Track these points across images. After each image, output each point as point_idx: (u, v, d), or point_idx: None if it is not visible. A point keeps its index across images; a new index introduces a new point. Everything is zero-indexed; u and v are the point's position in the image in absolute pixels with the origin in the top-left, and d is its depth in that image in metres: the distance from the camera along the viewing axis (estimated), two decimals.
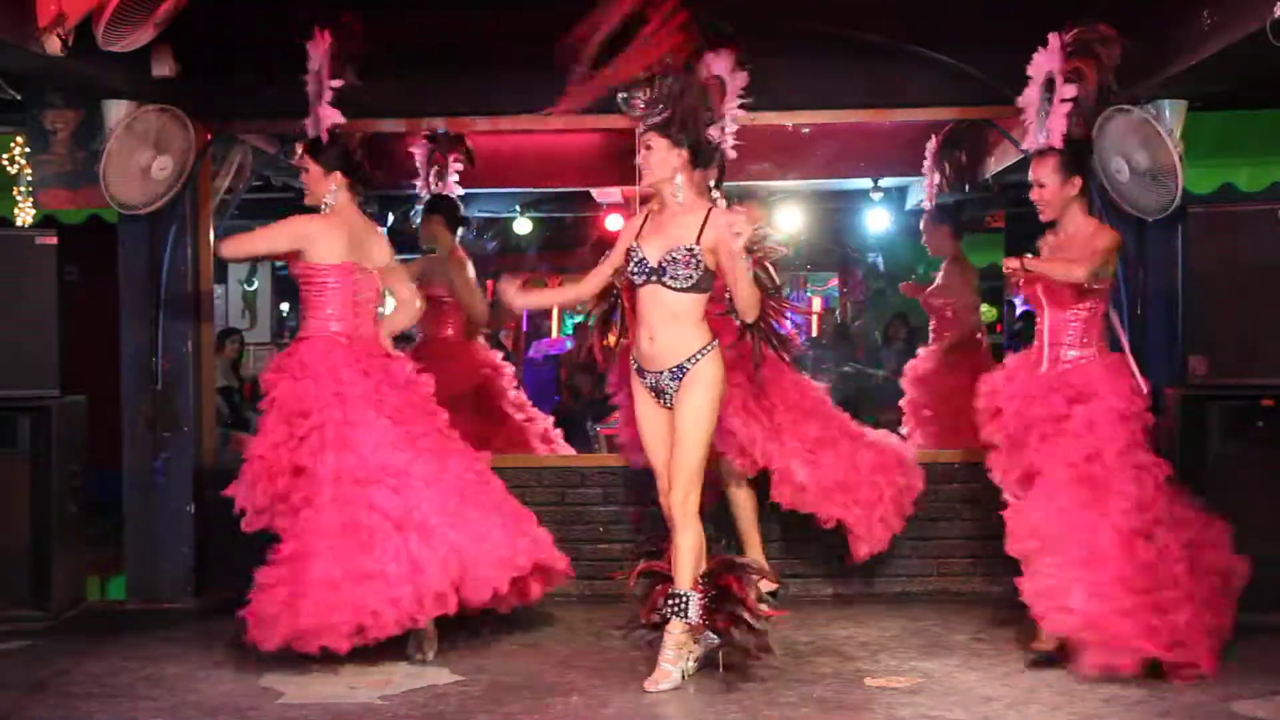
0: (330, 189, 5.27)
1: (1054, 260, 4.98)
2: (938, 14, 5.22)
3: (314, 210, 5.28)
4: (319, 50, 5.32)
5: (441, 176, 7.43)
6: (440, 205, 7.22)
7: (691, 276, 4.66)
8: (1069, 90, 5.04)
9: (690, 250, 4.66)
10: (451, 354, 7.03)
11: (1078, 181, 5.05)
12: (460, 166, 7.46)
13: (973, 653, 5.10)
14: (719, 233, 4.63)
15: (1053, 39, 5.09)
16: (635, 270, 4.75)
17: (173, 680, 4.79)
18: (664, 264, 4.68)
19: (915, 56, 5.20)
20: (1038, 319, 5.11)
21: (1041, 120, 5.11)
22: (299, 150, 5.46)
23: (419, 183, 7.51)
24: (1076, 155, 5.11)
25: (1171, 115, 5.46)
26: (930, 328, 7.77)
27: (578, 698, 4.54)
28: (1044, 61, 5.13)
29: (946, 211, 7.80)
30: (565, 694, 4.58)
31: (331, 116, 5.31)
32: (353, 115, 5.43)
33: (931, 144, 7.50)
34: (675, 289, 4.68)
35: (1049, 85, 5.11)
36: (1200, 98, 5.67)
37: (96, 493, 6.18)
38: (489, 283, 8.96)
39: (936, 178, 7.55)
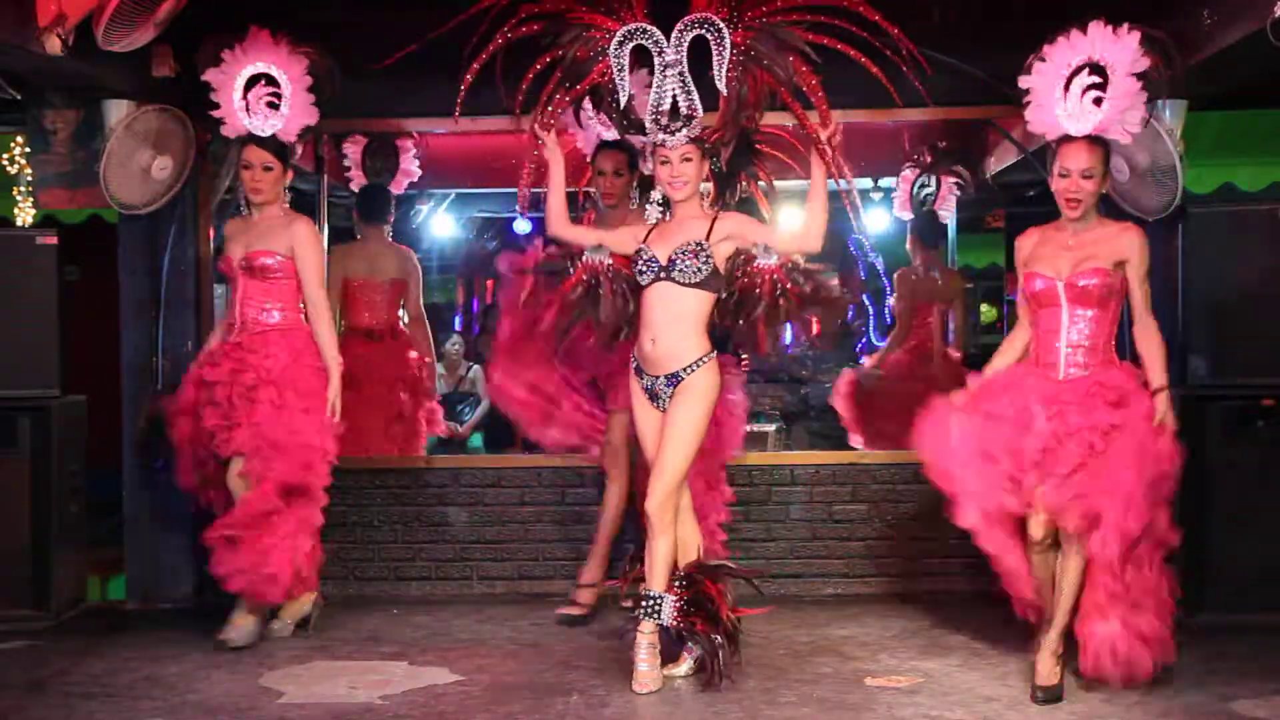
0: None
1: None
2: (937, 14, 5.24)
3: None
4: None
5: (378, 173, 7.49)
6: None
7: (700, 270, 4.67)
8: (1137, 84, 4.63)
9: (700, 244, 4.68)
10: None
11: (1108, 180, 4.79)
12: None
13: (973, 653, 5.10)
14: (731, 227, 4.72)
15: (1096, 26, 4.66)
16: (644, 269, 4.75)
17: (173, 680, 4.79)
18: (674, 259, 4.69)
19: (916, 57, 5.21)
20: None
21: (1080, 107, 4.64)
22: (299, 150, 5.58)
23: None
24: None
25: (1172, 115, 5.45)
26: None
27: (578, 698, 4.55)
28: (1091, 47, 4.67)
29: (915, 223, 7.89)
30: (565, 694, 4.59)
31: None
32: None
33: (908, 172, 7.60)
34: (683, 284, 4.68)
35: (1097, 71, 4.64)
36: (1200, 98, 5.67)
37: (96, 493, 6.18)
38: (489, 282, 8.92)
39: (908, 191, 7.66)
